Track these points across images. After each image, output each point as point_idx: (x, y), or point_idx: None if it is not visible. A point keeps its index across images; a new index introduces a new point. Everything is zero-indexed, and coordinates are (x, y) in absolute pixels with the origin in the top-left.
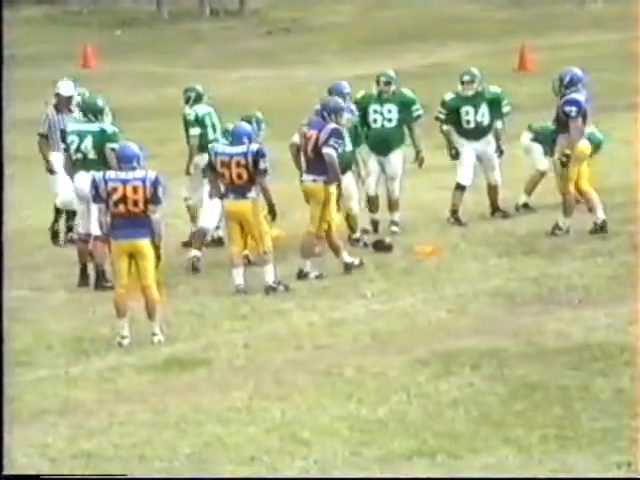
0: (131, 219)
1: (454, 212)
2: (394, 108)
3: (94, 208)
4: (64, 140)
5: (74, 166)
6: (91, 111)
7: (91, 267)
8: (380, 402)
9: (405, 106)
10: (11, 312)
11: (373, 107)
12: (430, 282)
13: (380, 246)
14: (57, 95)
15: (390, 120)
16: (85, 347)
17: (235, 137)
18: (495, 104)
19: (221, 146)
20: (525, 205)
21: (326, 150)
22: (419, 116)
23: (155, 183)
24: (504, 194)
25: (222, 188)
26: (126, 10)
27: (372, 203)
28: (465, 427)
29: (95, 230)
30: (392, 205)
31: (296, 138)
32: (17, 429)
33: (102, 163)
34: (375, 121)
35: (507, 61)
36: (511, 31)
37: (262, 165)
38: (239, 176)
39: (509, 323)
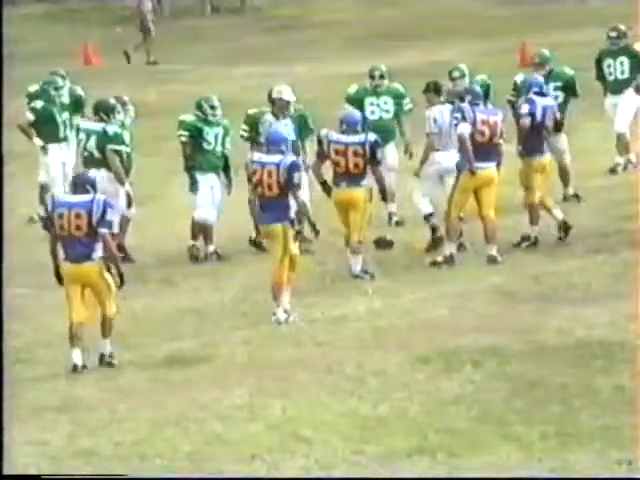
0: (267, 203)
1: None
2: (389, 100)
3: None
4: (77, 134)
5: (84, 164)
6: (102, 110)
7: None
8: (381, 399)
9: (397, 99)
10: (11, 310)
11: (369, 100)
12: (431, 279)
13: (381, 243)
14: (279, 100)
15: (387, 111)
16: (85, 344)
17: (349, 125)
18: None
19: (335, 134)
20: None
21: (501, 141)
22: (410, 110)
23: (290, 168)
24: (505, 191)
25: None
26: (126, 7)
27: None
28: (466, 424)
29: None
30: (389, 197)
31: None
32: (17, 427)
33: (107, 162)
34: (373, 113)
35: (508, 58)
36: (512, 28)
37: (379, 155)
38: (356, 165)
39: (510, 320)
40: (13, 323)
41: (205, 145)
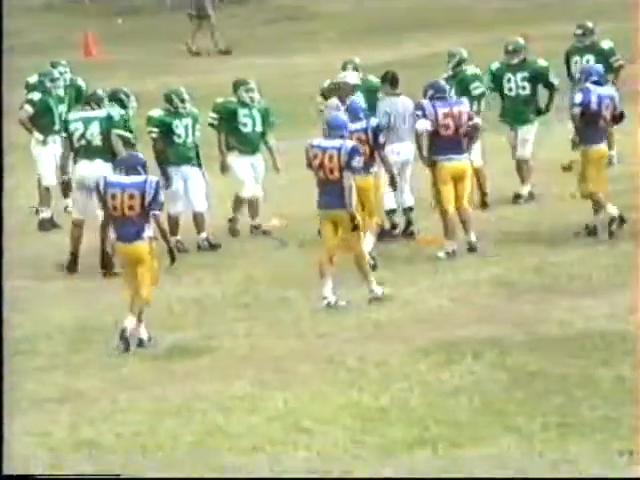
0: (329, 187)
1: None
2: (361, 94)
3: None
4: (66, 129)
5: (76, 154)
6: (94, 100)
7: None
8: (382, 391)
9: (372, 92)
10: (11, 301)
11: None
12: (432, 271)
13: (383, 235)
14: (344, 84)
15: None
16: (86, 335)
17: (352, 113)
18: (465, 86)
19: None
20: (529, 194)
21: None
22: None
23: (351, 152)
24: (502, 182)
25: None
26: None
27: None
28: (466, 415)
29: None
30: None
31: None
32: (17, 418)
33: (107, 149)
34: None
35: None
36: (508, 20)
37: (382, 139)
38: (363, 152)
39: (510, 312)
40: (13, 315)
41: (176, 139)
